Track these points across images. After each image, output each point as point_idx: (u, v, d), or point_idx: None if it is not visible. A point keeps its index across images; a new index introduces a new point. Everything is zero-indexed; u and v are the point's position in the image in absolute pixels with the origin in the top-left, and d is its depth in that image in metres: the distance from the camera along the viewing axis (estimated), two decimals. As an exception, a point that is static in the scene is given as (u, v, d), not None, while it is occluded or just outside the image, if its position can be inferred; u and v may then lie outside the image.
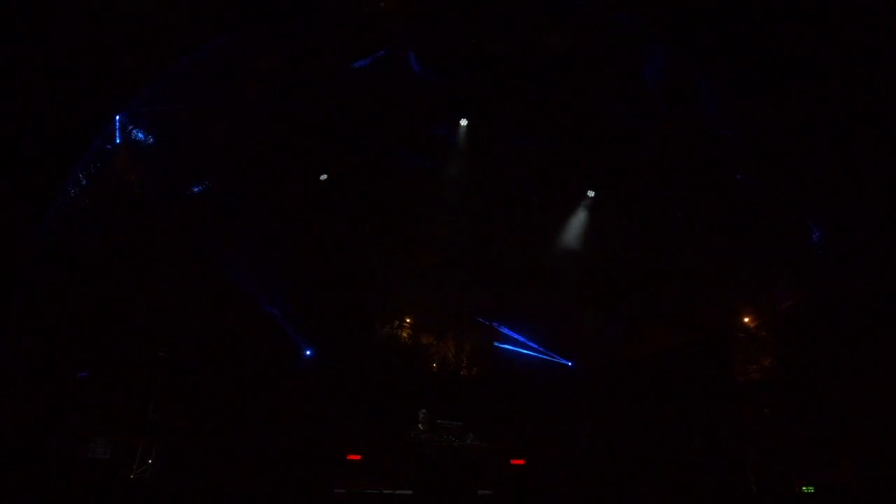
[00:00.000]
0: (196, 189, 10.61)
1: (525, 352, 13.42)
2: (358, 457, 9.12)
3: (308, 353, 12.07)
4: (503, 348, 13.53)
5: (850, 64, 8.56)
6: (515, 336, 13.37)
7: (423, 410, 9.57)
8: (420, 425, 9.42)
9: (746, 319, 11.87)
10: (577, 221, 12.55)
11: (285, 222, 11.70)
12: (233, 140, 10.26)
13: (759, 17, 8.73)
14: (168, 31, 8.58)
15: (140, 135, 9.53)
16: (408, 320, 13.60)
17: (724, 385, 11.51)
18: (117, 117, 9.14)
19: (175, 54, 8.91)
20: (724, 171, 10.72)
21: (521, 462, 10.07)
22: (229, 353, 11.02)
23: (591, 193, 12.40)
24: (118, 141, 9.36)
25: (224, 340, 11.04)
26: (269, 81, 10.03)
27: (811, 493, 9.65)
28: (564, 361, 13.57)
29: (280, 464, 10.16)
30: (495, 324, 13.33)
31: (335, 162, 11.74)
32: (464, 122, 11.52)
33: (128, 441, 9.44)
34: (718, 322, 12.02)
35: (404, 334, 13.53)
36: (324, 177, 11.86)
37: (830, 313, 10.28)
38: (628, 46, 9.77)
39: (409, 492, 8.58)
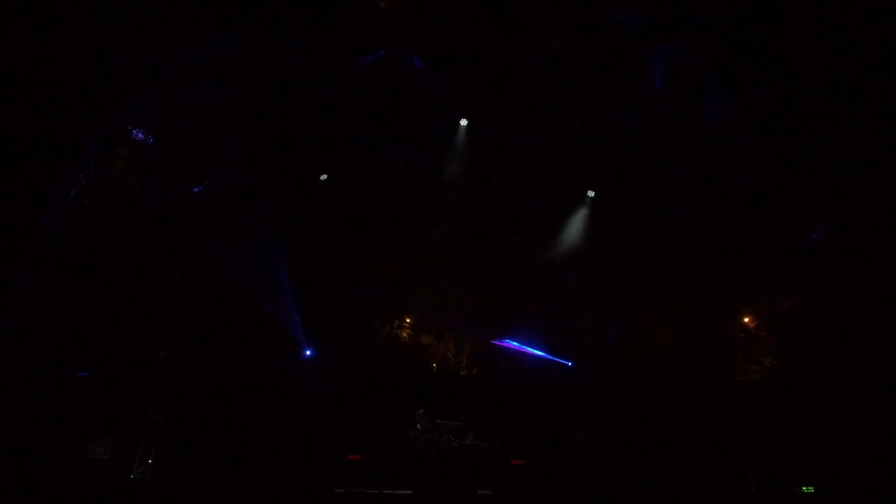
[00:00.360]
0: (196, 189, 10.61)
1: (526, 348, 13.44)
2: (358, 457, 9.12)
3: (308, 353, 12.07)
4: (503, 348, 13.53)
5: (850, 64, 8.56)
6: (523, 347, 13.40)
7: (421, 410, 9.57)
8: (418, 425, 9.42)
9: (746, 319, 11.87)
10: (577, 221, 12.56)
11: (285, 222, 11.71)
12: (233, 140, 10.26)
13: (759, 17, 8.72)
14: (168, 31, 8.57)
15: (140, 135, 9.53)
16: (408, 320, 13.61)
17: (724, 385, 11.52)
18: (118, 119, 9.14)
19: (175, 54, 8.90)
20: (724, 171, 10.72)
21: (520, 462, 10.07)
22: (229, 353, 11.03)
23: (591, 193, 12.41)
24: (118, 141, 9.36)
25: (224, 340, 11.04)
26: (269, 81, 10.02)
27: (811, 493, 9.65)
28: (564, 361, 13.57)
29: (280, 464, 10.16)
30: (506, 341, 13.37)
31: (335, 162, 11.74)
32: (464, 122, 11.53)
33: (128, 441, 9.45)
34: (718, 322, 12.03)
35: (404, 334, 13.54)
36: (324, 177, 11.87)
37: (830, 313, 10.28)
38: (628, 46, 9.76)
39: (409, 492, 8.58)
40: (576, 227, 12.59)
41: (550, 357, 13.55)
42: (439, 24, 9.84)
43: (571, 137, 11.12)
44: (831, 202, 10.04)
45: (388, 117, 10.90)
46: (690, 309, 12.20)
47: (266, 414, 10.91)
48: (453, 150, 11.74)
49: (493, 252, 12.80)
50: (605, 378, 12.98)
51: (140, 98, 9.14)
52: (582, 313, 13.13)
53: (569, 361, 13.56)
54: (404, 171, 11.83)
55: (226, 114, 9.94)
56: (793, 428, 10.43)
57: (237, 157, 10.57)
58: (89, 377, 9.35)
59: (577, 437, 12.34)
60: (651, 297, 12.46)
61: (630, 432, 11.91)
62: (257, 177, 11.01)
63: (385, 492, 8.59)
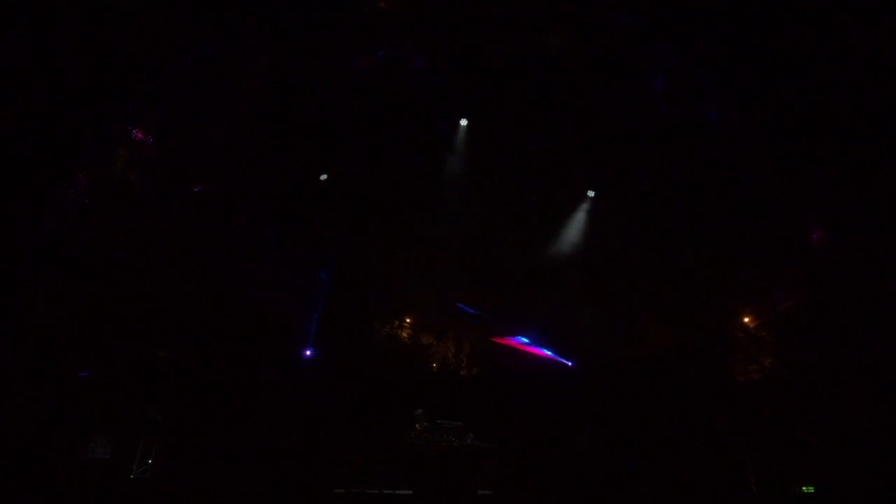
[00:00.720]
0: (196, 189, 10.61)
1: (526, 344, 13.45)
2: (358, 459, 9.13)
3: (308, 353, 12.07)
4: (503, 347, 13.54)
5: (850, 64, 8.56)
6: (523, 345, 13.45)
7: (419, 410, 9.56)
8: (416, 425, 9.42)
9: (746, 319, 11.87)
10: (577, 221, 12.56)
11: (285, 222, 11.71)
12: (233, 140, 10.25)
13: (760, 17, 8.72)
14: (168, 31, 8.57)
15: (140, 135, 9.53)
16: (408, 320, 13.61)
17: (724, 385, 11.52)
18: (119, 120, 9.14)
19: (175, 54, 8.90)
20: (724, 171, 10.72)
21: (520, 462, 10.07)
22: (229, 353, 11.03)
23: (591, 193, 12.41)
24: (118, 141, 9.36)
25: (224, 340, 11.04)
26: (269, 81, 10.02)
27: (811, 493, 9.65)
28: (564, 361, 13.58)
29: (280, 464, 10.16)
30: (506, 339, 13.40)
31: (335, 162, 11.74)
32: (464, 122, 11.53)
33: (128, 441, 9.45)
34: (718, 322, 12.03)
35: (404, 334, 13.55)
36: (324, 177, 11.87)
37: (830, 313, 10.28)
38: (628, 46, 9.76)
39: (409, 492, 8.58)
40: (576, 226, 12.59)
41: (550, 356, 13.55)
42: (439, 24, 9.83)
43: (571, 137, 11.11)
44: (831, 202, 10.03)
45: (388, 117, 10.90)
46: (690, 309, 12.19)
47: (266, 414, 10.91)
48: (453, 150, 11.74)
49: (493, 252, 12.80)
50: (605, 378, 12.99)
51: (140, 98, 9.13)
52: (582, 313, 13.13)
53: (569, 361, 13.56)
54: (404, 171, 11.83)
55: (226, 114, 9.93)
56: (793, 428, 10.43)
57: (237, 156, 10.57)
58: (89, 377, 9.34)
59: (577, 437, 12.34)
60: (651, 297, 12.46)
61: (630, 432, 11.91)
62: (257, 176, 11.02)
63: (385, 492, 8.60)
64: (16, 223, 8.12)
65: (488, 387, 13.12)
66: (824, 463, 9.75)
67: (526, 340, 13.51)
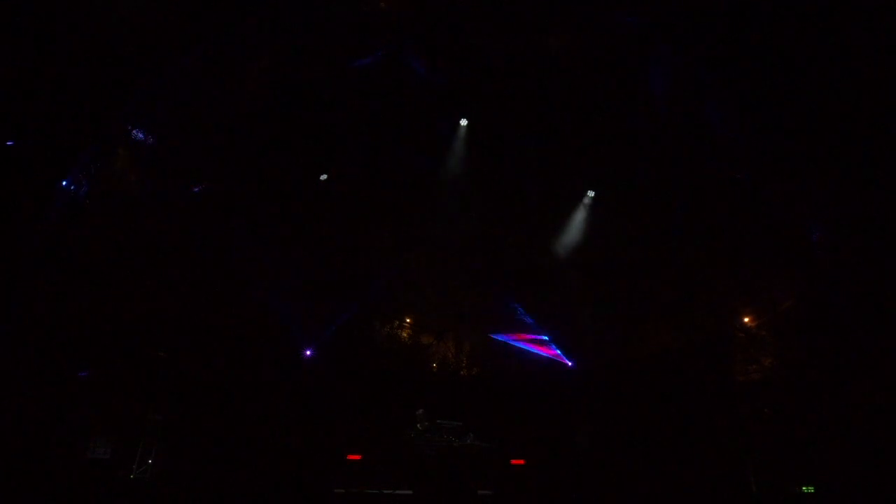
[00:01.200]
0: (196, 189, 10.61)
1: (546, 339, 13.44)
2: (358, 457, 9.12)
3: (308, 353, 12.07)
4: (502, 345, 13.54)
5: (850, 64, 8.55)
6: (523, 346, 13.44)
7: (420, 410, 9.57)
8: (417, 425, 9.42)
9: (746, 319, 11.87)
10: (577, 221, 12.55)
11: (285, 222, 11.71)
12: (233, 140, 10.26)
13: (759, 17, 8.72)
14: (168, 31, 8.57)
15: (140, 135, 9.53)
16: (408, 320, 13.61)
17: (724, 385, 11.52)
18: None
19: (175, 54, 8.90)
20: (724, 171, 10.71)
21: (521, 462, 10.07)
22: (229, 353, 11.03)
23: (591, 193, 12.41)
24: (118, 141, 9.36)
25: (224, 340, 11.04)
26: (270, 81, 10.02)
27: (811, 493, 9.65)
28: (565, 361, 13.58)
29: (280, 464, 10.17)
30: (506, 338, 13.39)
31: (335, 162, 11.74)
32: (464, 122, 11.53)
33: (128, 441, 9.45)
34: (718, 322, 12.02)
35: (404, 334, 13.54)
36: (324, 177, 11.87)
37: (830, 313, 10.28)
38: (628, 46, 9.76)
39: (409, 492, 8.58)
40: (576, 227, 12.59)
41: (550, 356, 13.55)
42: (439, 24, 9.83)
43: (571, 137, 11.11)
44: (831, 202, 10.02)
45: (388, 117, 10.90)
46: (690, 309, 12.19)
47: (266, 414, 10.91)
48: (453, 150, 11.74)
49: (493, 252, 12.80)
50: (605, 378, 12.98)
51: (140, 98, 9.13)
52: (582, 313, 13.13)
53: (569, 361, 13.56)
54: (404, 171, 11.83)
55: (226, 113, 9.94)
56: (793, 428, 10.42)
57: (237, 156, 10.57)
58: (89, 377, 9.35)
59: (577, 437, 12.34)
60: (651, 297, 12.45)
61: (630, 432, 11.91)
62: (257, 177, 11.02)
63: (385, 492, 8.59)
64: (16, 223, 8.12)
65: (488, 387, 13.11)
66: (824, 463, 9.74)
67: (546, 338, 13.50)
